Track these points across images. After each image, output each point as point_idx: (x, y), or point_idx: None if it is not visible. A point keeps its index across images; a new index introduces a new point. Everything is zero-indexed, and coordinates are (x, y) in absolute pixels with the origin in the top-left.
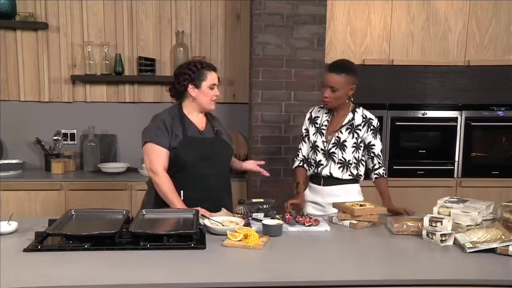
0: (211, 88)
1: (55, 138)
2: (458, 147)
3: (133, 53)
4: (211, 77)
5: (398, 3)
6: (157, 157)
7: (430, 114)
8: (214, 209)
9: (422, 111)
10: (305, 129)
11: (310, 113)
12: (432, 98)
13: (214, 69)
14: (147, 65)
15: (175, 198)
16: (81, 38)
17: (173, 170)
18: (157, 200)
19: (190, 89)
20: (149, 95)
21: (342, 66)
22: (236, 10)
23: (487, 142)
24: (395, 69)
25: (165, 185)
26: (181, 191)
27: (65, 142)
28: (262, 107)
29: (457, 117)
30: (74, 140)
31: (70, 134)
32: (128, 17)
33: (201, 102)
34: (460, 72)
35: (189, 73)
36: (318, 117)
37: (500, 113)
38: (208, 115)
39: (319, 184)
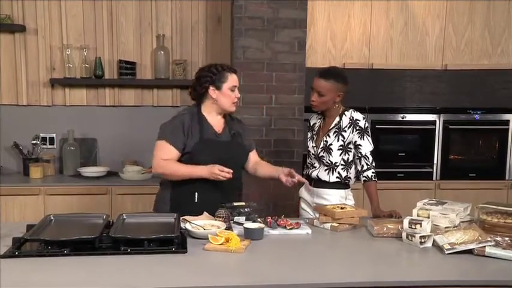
0: (232, 90)
1: (33, 142)
2: (436, 150)
3: (113, 56)
4: (232, 79)
5: (377, 8)
6: (164, 154)
7: (409, 117)
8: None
9: (402, 115)
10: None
11: (309, 121)
12: (411, 101)
13: (234, 71)
14: (127, 68)
15: (187, 167)
16: (60, 40)
17: None
18: (173, 203)
19: (211, 90)
20: (129, 98)
21: (331, 73)
22: (217, 13)
23: (464, 145)
24: (375, 73)
25: (173, 165)
26: (196, 193)
27: (44, 146)
28: (243, 111)
29: (435, 121)
30: (53, 144)
31: (49, 138)
32: (107, 19)
33: (222, 104)
34: (437, 76)
35: (210, 75)
36: (315, 123)
37: (477, 117)
38: (227, 117)
39: (310, 184)
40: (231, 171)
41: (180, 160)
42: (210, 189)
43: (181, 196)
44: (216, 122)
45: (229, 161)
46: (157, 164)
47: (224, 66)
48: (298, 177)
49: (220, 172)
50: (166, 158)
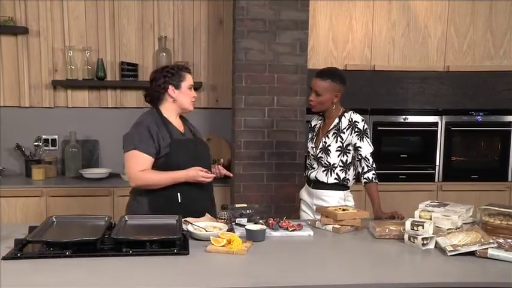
0: (190, 89)
1: (36, 144)
2: (438, 151)
3: (115, 58)
4: (188, 78)
5: (379, 9)
6: (140, 164)
7: (411, 119)
8: (209, 208)
9: (404, 116)
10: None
11: (310, 122)
12: (413, 103)
13: (189, 71)
14: (129, 70)
15: (167, 175)
16: (62, 42)
17: None
18: (153, 209)
19: (171, 90)
20: (131, 100)
21: (328, 72)
22: (219, 15)
23: (467, 146)
24: (377, 74)
25: (153, 176)
26: (178, 194)
27: (46, 148)
28: (245, 112)
29: (437, 122)
30: (55, 146)
31: (51, 139)
32: (109, 21)
33: (182, 103)
34: (439, 78)
35: (168, 75)
36: (316, 124)
37: (479, 118)
38: (182, 117)
39: (310, 186)
40: (214, 175)
41: (154, 164)
42: (191, 188)
43: (162, 200)
44: (177, 123)
45: (203, 158)
46: (135, 176)
47: (180, 66)
48: (225, 171)
49: (204, 179)
50: (142, 168)
